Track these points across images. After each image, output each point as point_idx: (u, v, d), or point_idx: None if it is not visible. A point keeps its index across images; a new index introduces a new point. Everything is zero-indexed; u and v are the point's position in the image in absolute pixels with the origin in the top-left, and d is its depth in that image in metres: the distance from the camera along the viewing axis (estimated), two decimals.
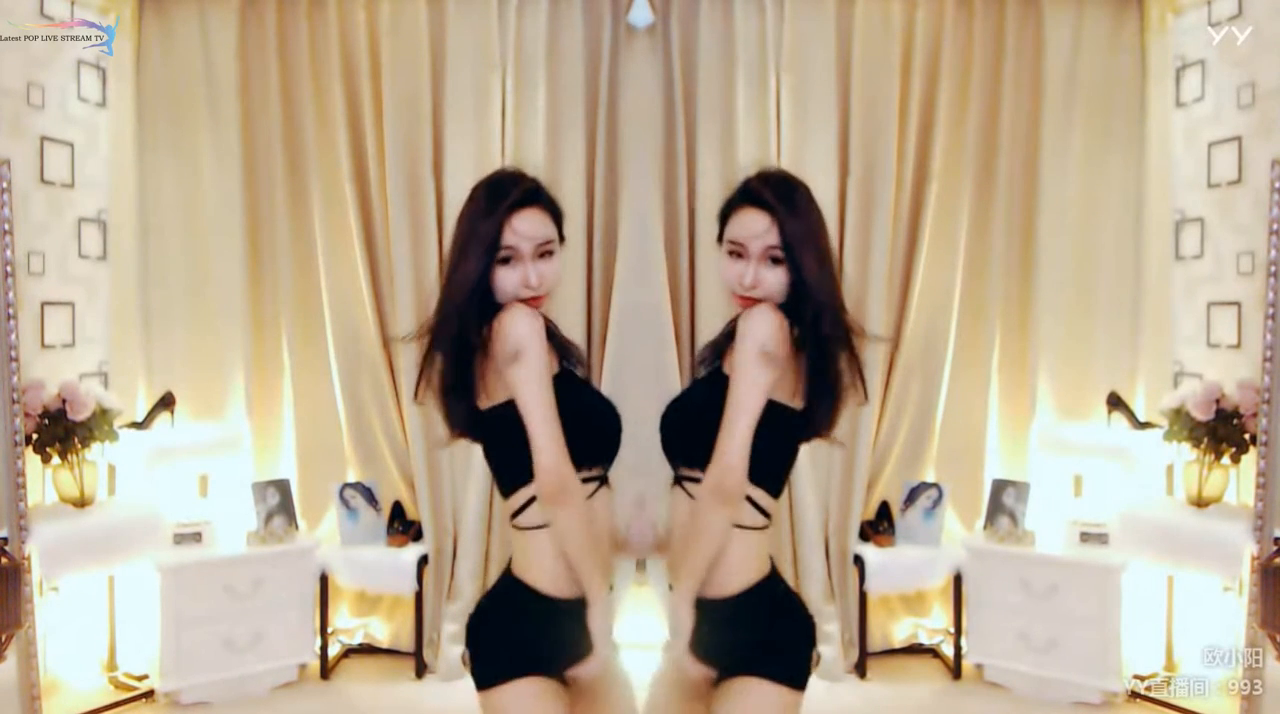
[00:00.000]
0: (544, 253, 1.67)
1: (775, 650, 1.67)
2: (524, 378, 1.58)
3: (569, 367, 1.76)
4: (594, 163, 3.55)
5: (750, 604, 1.68)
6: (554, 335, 1.73)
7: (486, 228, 1.63)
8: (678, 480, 1.76)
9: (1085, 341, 3.60)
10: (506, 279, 1.65)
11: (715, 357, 1.79)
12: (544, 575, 1.66)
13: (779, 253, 1.64)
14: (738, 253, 1.69)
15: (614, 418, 1.77)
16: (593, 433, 1.71)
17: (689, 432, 1.72)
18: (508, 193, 1.66)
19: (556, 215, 1.73)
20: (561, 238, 1.73)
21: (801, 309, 1.63)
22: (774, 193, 1.66)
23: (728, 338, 1.74)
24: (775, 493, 1.71)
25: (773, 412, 1.62)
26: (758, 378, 1.58)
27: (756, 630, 1.68)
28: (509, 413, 1.62)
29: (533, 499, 1.64)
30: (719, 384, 1.68)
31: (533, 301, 1.67)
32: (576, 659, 1.70)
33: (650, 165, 3.50)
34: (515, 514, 1.69)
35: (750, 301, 1.67)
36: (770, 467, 1.68)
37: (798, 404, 1.67)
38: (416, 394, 1.74)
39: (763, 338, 1.58)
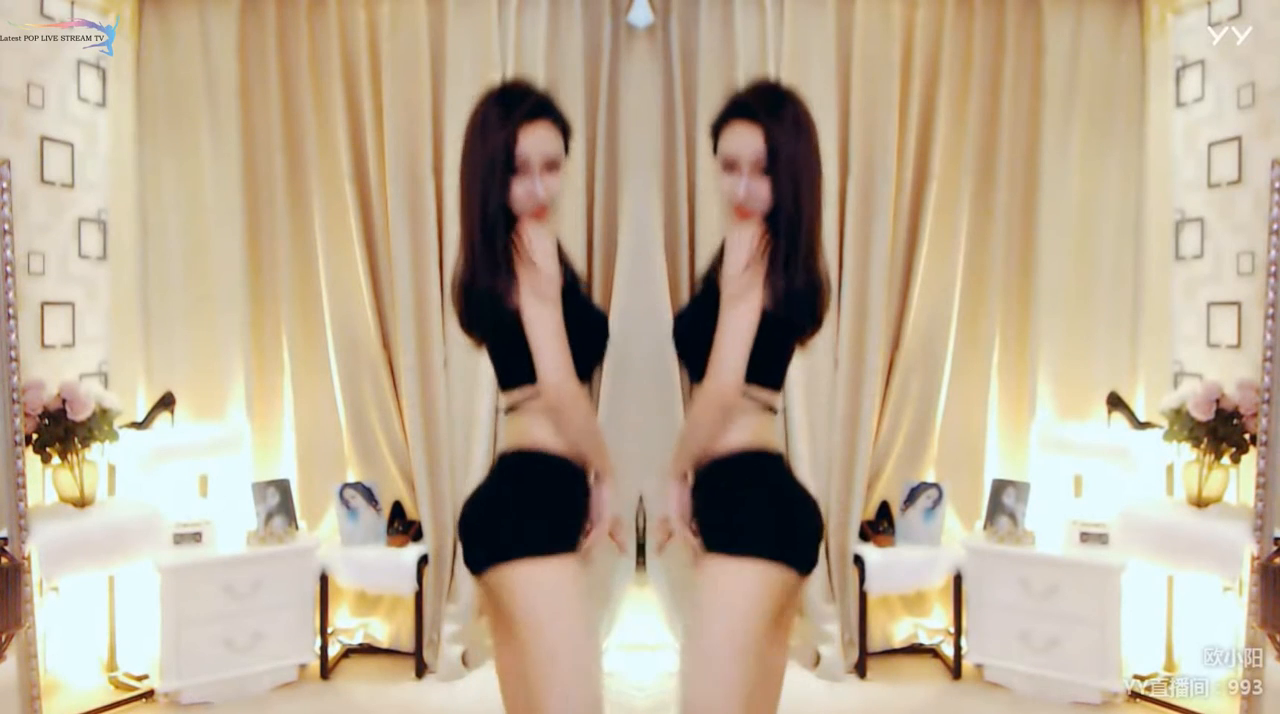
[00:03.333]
0: (551, 166, 1.72)
1: (749, 523, 1.69)
2: (537, 296, 1.65)
3: (572, 280, 1.80)
4: (594, 163, 3.54)
5: (729, 468, 1.74)
6: (559, 250, 1.78)
7: (499, 140, 1.67)
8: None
9: (1085, 341, 3.60)
10: (514, 188, 1.69)
11: (709, 272, 1.84)
12: (550, 440, 1.73)
13: (766, 163, 1.69)
14: (731, 166, 1.73)
15: (605, 330, 1.86)
16: (587, 346, 1.78)
17: (692, 345, 1.79)
18: (517, 105, 1.70)
19: (565, 129, 1.77)
20: (566, 151, 1.78)
21: (778, 218, 1.69)
22: (762, 105, 1.71)
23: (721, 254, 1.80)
24: (775, 387, 1.79)
25: (761, 316, 1.68)
26: (742, 296, 1.66)
27: (733, 499, 1.72)
28: (518, 317, 1.67)
29: (533, 395, 1.71)
30: (711, 296, 1.75)
31: (538, 212, 1.72)
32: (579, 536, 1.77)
33: (650, 165, 3.50)
34: (514, 406, 1.76)
35: (746, 213, 1.72)
36: (763, 363, 1.74)
37: (780, 311, 1.70)
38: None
39: (744, 258, 1.66)
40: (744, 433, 1.75)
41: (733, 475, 1.74)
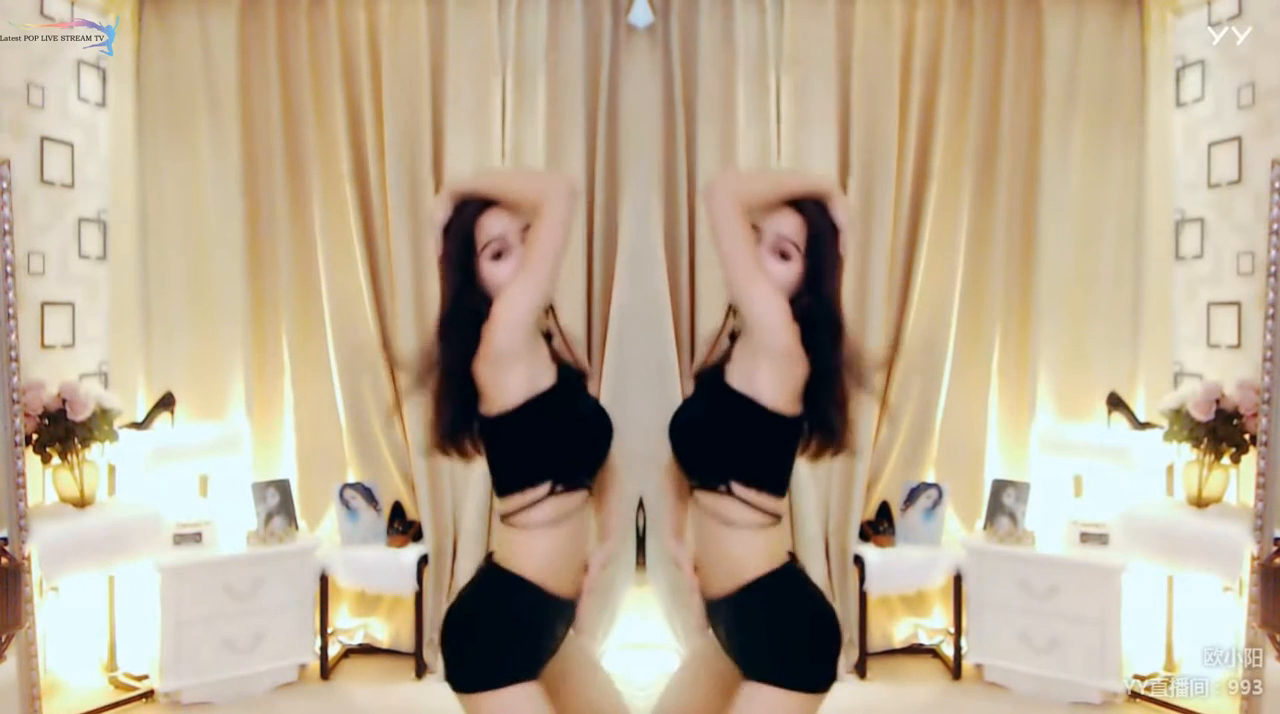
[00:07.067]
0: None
1: (779, 651, 1.66)
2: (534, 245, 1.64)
3: (569, 377, 1.76)
4: (594, 163, 3.54)
5: (751, 600, 1.69)
6: (551, 340, 1.77)
7: (459, 229, 1.68)
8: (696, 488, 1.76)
9: (1085, 341, 3.60)
10: (499, 271, 1.68)
11: (706, 369, 1.81)
12: (536, 569, 1.67)
13: (789, 248, 1.68)
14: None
15: (608, 431, 1.79)
16: (594, 446, 1.74)
17: (689, 441, 1.76)
18: (472, 200, 1.70)
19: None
20: None
21: (808, 309, 1.66)
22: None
23: (723, 348, 1.78)
24: (779, 492, 1.72)
25: (769, 419, 1.65)
26: (737, 227, 1.62)
27: (759, 628, 1.68)
28: (513, 419, 1.64)
29: (532, 503, 1.66)
30: (707, 392, 1.74)
31: None
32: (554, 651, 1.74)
33: (650, 165, 3.50)
34: (510, 515, 1.69)
35: None
36: (768, 470, 1.70)
37: (795, 410, 1.67)
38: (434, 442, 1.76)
39: (730, 191, 1.64)
40: (760, 558, 1.69)
41: (755, 604, 1.70)
